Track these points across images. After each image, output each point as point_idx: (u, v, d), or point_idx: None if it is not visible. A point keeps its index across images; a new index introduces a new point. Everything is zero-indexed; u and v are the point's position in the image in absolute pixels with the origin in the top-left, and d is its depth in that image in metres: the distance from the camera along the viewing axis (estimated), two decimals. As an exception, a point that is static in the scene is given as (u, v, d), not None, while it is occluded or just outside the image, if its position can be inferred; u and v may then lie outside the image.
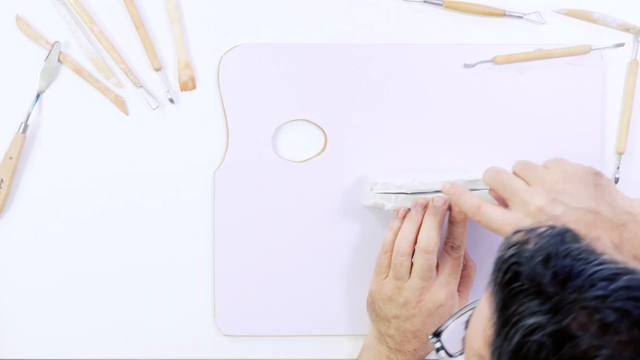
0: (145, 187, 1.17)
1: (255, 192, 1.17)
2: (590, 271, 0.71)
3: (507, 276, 0.74)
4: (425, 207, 1.10)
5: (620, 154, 1.18)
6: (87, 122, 1.17)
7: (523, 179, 1.03)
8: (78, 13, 1.15)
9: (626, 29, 1.18)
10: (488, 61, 1.17)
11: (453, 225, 1.12)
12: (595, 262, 0.72)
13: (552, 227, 0.75)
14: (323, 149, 1.17)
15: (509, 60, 1.16)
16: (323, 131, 1.17)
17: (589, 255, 0.73)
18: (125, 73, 1.16)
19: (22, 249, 1.17)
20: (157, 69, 1.16)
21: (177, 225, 1.17)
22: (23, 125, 1.15)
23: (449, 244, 1.12)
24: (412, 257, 1.10)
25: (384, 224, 1.15)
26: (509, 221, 1.01)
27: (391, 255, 1.11)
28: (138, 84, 1.16)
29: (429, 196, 1.11)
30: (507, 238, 0.76)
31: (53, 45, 1.15)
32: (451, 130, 1.17)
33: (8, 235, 1.17)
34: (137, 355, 1.18)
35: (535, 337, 0.70)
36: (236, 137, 1.16)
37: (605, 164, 1.18)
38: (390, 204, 1.12)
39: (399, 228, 1.12)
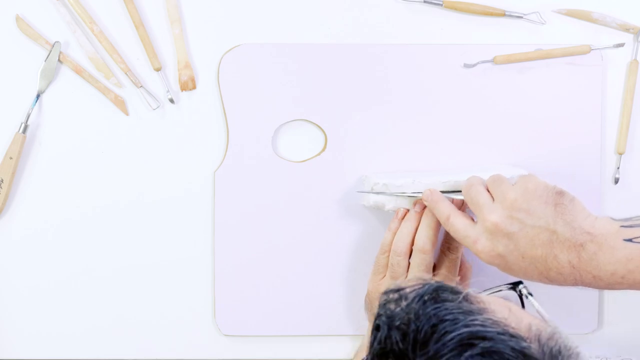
0: (145, 187, 1.17)
1: (255, 192, 1.17)
2: (452, 335, 0.69)
3: (374, 337, 0.73)
4: (424, 207, 1.10)
5: (620, 154, 1.18)
6: (87, 122, 1.17)
7: (491, 194, 1.04)
8: (78, 13, 1.15)
9: (626, 29, 1.17)
10: (488, 61, 1.17)
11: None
12: (462, 323, 0.70)
13: (423, 286, 0.74)
14: (323, 149, 1.17)
15: (509, 60, 1.16)
16: (323, 131, 1.17)
17: (458, 315, 0.71)
18: (125, 73, 1.16)
19: (22, 249, 1.17)
20: (157, 69, 1.16)
21: (177, 226, 1.17)
22: (23, 125, 1.15)
23: (446, 244, 1.12)
24: (409, 258, 1.10)
25: (384, 224, 1.15)
26: (470, 234, 1.03)
27: (389, 255, 1.11)
28: (138, 84, 1.16)
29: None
30: (381, 297, 0.75)
31: (53, 45, 1.15)
32: (451, 130, 1.17)
33: (8, 235, 1.17)
34: (137, 355, 1.18)
35: None
36: (236, 137, 1.16)
37: (605, 164, 1.18)
38: (390, 204, 1.12)
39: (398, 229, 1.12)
